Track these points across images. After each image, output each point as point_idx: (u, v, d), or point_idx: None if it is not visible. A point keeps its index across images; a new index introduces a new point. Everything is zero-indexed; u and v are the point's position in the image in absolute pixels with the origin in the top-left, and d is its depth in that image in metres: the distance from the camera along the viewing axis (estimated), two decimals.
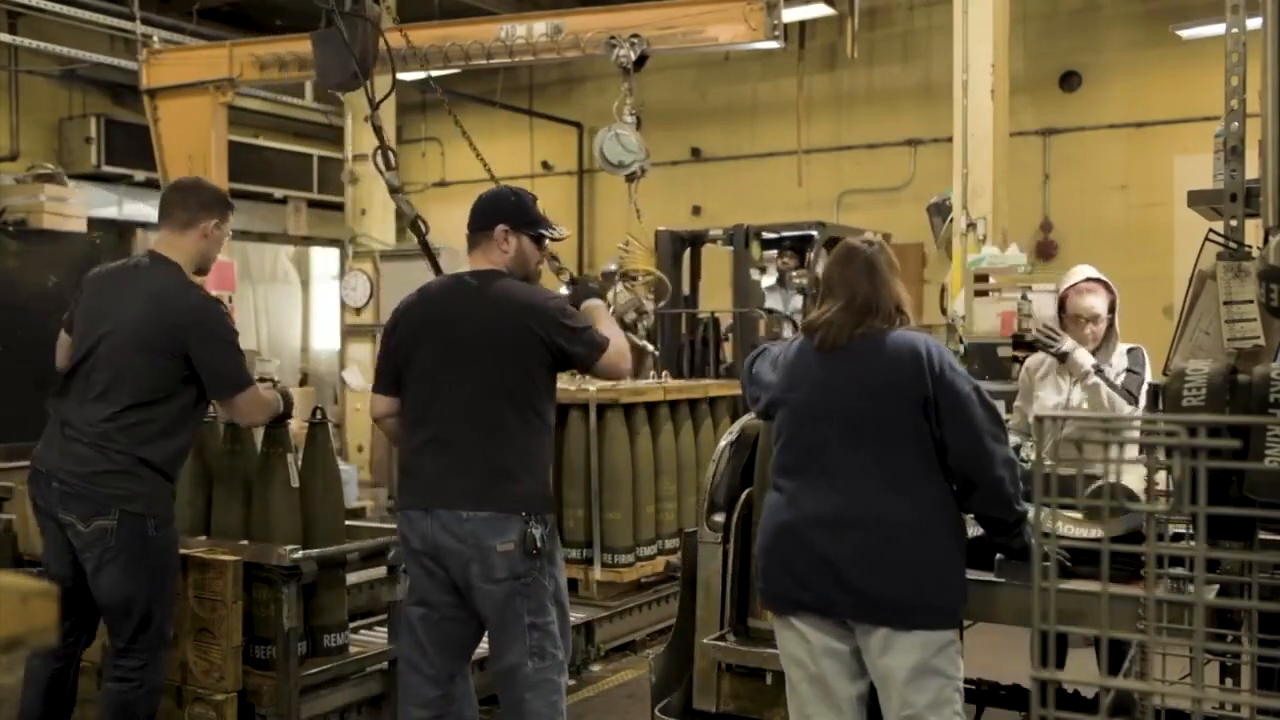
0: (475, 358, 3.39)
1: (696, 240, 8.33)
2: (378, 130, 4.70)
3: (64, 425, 3.59)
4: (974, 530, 3.09)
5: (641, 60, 5.54)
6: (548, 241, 3.63)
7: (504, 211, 3.55)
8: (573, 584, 5.40)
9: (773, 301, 8.09)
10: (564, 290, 3.86)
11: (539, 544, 3.31)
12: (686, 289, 8.28)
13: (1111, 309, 4.10)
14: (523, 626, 3.33)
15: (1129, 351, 4.12)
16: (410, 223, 4.60)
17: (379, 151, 4.71)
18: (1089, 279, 4.13)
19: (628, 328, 5.14)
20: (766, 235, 8.24)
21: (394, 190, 4.61)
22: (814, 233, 8.13)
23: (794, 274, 8.18)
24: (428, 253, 4.59)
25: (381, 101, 4.80)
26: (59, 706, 3.72)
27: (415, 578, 3.47)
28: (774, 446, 3.01)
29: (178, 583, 3.76)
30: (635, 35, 5.15)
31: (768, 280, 8.28)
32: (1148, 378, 3.98)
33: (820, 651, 2.86)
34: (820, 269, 8.10)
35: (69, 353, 3.74)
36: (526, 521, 3.30)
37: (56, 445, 3.59)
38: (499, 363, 3.37)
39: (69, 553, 3.57)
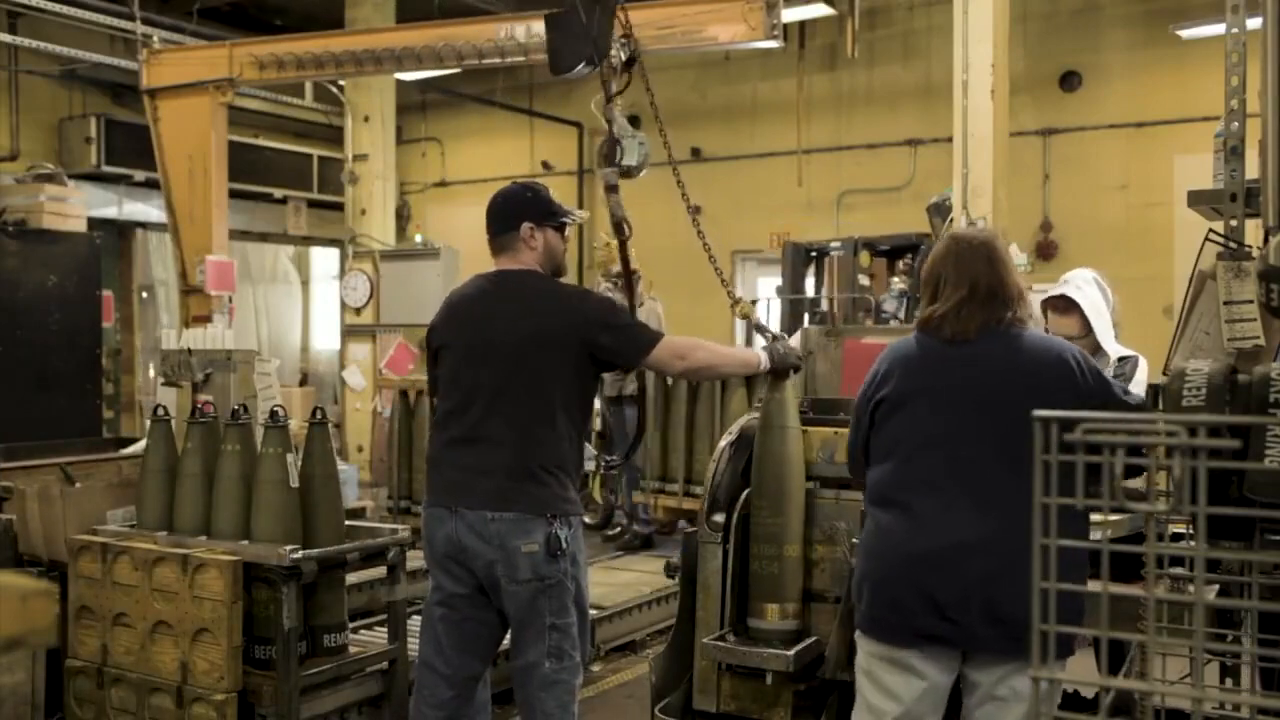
0: (509, 358, 3.38)
1: (821, 251, 9.80)
2: (610, 122, 4.31)
3: None
4: None
5: (631, 61, 5.50)
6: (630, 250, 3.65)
7: (525, 208, 3.55)
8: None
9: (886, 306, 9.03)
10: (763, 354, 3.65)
11: (563, 546, 3.31)
12: (812, 291, 9.87)
13: (1088, 328, 3.98)
14: (544, 626, 3.34)
15: (1119, 360, 4.01)
16: (614, 224, 4.19)
17: (605, 143, 4.30)
18: (1061, 296, 4.03)
19: None
20: (880, 247, 9.56)
21: (610, 188, 4.22)
22: (920, 243, 8.94)
23: (895, 278, 9.06)
24: (624, 258, 4.22)
25: (620, 91, 4.39)
26: None
27: (437, 578, 3.47)
28: (886, 455, 2.76)
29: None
30: (625, 36, 5.12)
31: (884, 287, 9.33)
32: (1134, 388, 3.84)
33: (925, 687, 2.68)
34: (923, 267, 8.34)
35: None
36: (551, 523, 3.31)
37: None
38: (533, 363, 3.37)
39: None
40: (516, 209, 3.56)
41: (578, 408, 3.47)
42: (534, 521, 3.30)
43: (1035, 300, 5.94)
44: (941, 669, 2.68)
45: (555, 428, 3.38)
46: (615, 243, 5.84)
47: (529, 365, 3.36)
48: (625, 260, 4.11)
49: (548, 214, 3.56)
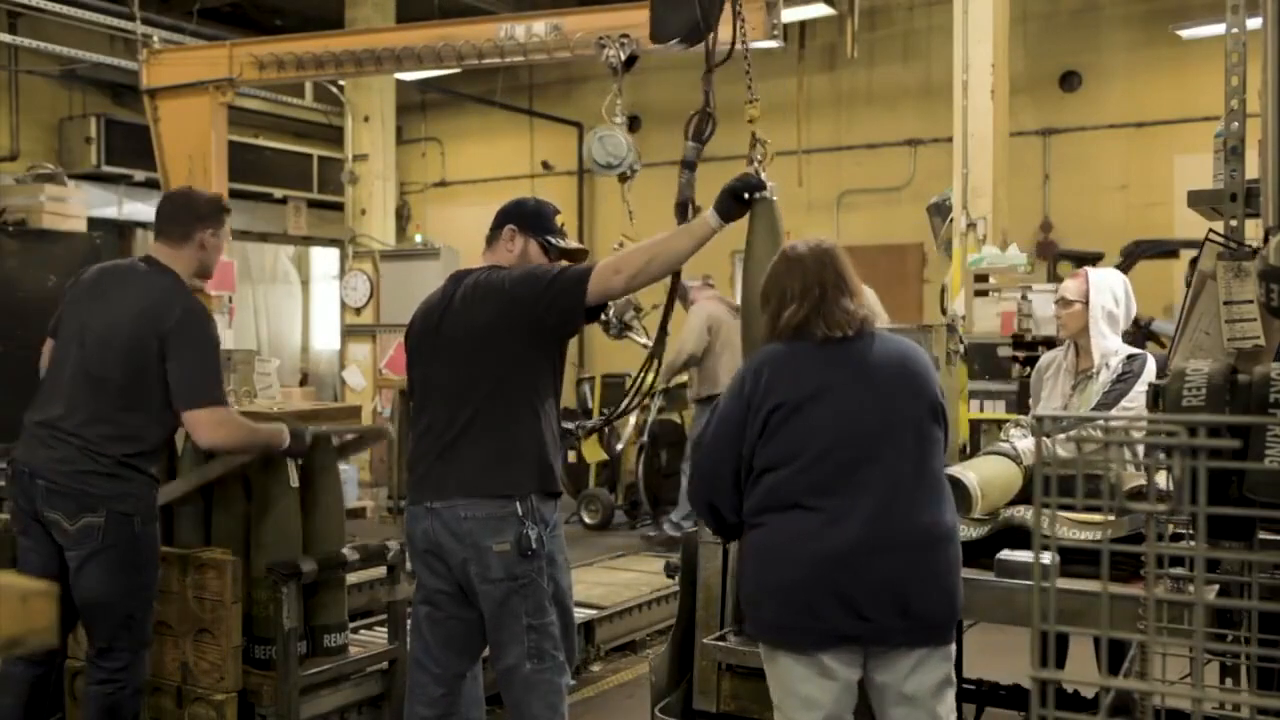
0: (461, 348, 3.38)
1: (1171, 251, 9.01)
2: (707, 94, 4.01)
3: (48, 426, 3.58)
4: (969, 533, 3.09)
5: (631, 60, 5.46)
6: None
7: (517, 214, 3.57)
8: None
9: None
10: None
11: (534, 545, 3.27)
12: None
13: (1087, 303, 4.03)
14: (521, 627, 3.31)
15: (1128, 358, 4.03)
16: (679, 203, 4.05)
17: (696, 118, 4.03)
18: (1068, 292, 4.12)
19: (626, 326, 5.05)
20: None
21: (687, 164, 3.99)
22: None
23: None
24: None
25: (721, 63, 4.11)
26: (40, 712, 3.71)
27: (420, 575, 3.47)
28: (781, 462, 2.71)
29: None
30: (625, 35, 5.04)
31: None
32: (1138, 387, 3.87)
33: (841, 687, 2.68)
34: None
35: (52, 356, 3.76)
36: (522, 522, 3.27)
37: (40, 445, 3.58)
38: (484, 351, 3.35)
39: (55, 554, 3.57)
40: (510, 213, 3.58)
41: (539, 390, 3.39)
42: (505, 521, 3.26)
43: (1043, 300, 5.90)
44: (851, 666, 2.69)
45: (516, 411, 3.34)
46: (630, 244, 5.80)
47: (482, 352, 3.34)
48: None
49: (537, 226, 3.55)
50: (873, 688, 2.73)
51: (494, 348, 3.34)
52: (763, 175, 3.53)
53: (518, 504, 3.27)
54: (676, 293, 3.90)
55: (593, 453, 9.53)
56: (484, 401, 3.34)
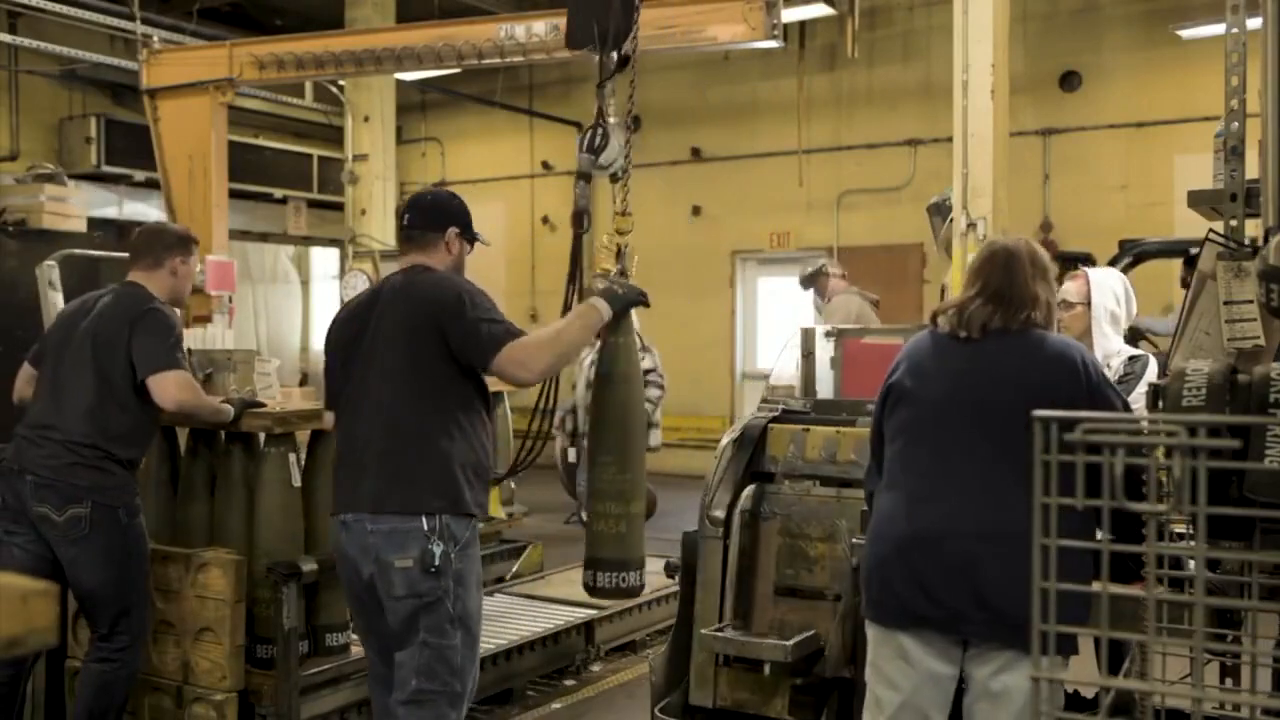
0: (380, 356, 3.28)
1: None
2: (601, 109, 4.02)
3: (36, 428, 3.75)
4: None
5: (625, 61, 5.45)
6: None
7: (456, 216, 3.51)
8: None
9: None
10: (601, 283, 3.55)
11: (438, 562, 3.14)
12: None
13: (1089, 304, 4.04)
14: (417, 643, 3.19)
15: (1130, 359, 4.03)
16: (575, 214, 4.11)
17: (591, 131, 4.02)
18: (1081, 268, 4.19)
19: None
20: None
21: (582, 175, 4.01)
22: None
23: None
24: (575, 251, 4.07)
25: (611, 76, 4.09)
26: (8, 715, 3.79)
27: (343, 584, 3.43)
28: (891, 441, 2.84)
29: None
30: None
31: None
32: (1139, 388, 3.87)
33: (923, 677, 2.68)
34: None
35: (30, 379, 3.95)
36: (428, 538, 3.14)
37: (29, 446, 3.73)
38: (402, 359, 3.25)
39: (43, 553, 3.66)
40: (448, 213, 3.51)
41: (458, 402, 3.28)
42: (409, 536, 3.14)
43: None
44: (939, 658, 2.67)
45: (431, 423, 3.23)
46: (614, 242, 5.77)
47: (400, 360, 3.26)
48: (576, 254, 3.98)
49: (469, 228, 3.54)
50: (966, 678, 2.71)
51: (418, 357, 3.25)
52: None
53: (424, 520, 3.16)
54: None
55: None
56: (397, 415, 3.24)
